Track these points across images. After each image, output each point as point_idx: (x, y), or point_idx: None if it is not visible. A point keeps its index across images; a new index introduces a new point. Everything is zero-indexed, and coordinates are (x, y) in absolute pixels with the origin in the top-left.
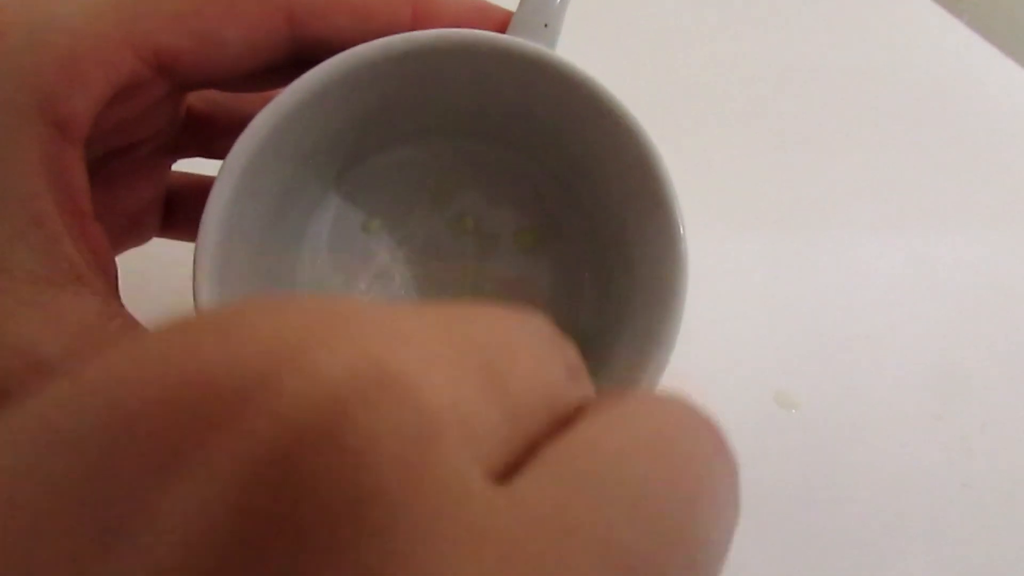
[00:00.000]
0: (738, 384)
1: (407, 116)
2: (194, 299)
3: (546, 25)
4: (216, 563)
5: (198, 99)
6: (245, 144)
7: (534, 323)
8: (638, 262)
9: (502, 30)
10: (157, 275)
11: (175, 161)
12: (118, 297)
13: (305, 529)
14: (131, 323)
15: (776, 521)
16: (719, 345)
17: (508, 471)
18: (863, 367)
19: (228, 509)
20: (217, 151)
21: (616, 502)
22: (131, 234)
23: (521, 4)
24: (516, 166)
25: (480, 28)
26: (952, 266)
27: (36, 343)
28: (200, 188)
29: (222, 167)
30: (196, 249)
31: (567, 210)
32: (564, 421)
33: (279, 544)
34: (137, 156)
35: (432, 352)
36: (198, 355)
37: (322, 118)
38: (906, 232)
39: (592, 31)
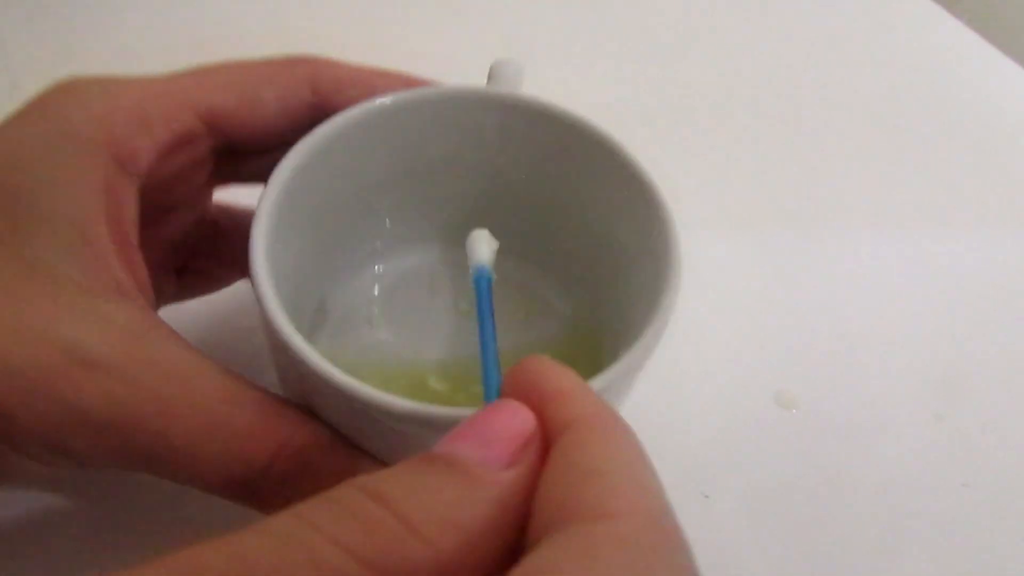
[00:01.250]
0: (738, 384)
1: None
2: None
3: None
4: None
5: (218, 211)
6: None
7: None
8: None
9: None
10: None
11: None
12: (157, 315)
13: None
14: (171, 333)
15: (776, 521)
16: (719, 345)
17: None
18: (863, 367)
19: None
20: (223, 255)
21: None
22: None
23: (490, 81)
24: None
25: None
26: (952, 266)
27: (81, 342)
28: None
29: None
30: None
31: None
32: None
33: None
34: (166, 222)
35: None
36: None
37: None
38: (906, 232)
39: (593, 31)
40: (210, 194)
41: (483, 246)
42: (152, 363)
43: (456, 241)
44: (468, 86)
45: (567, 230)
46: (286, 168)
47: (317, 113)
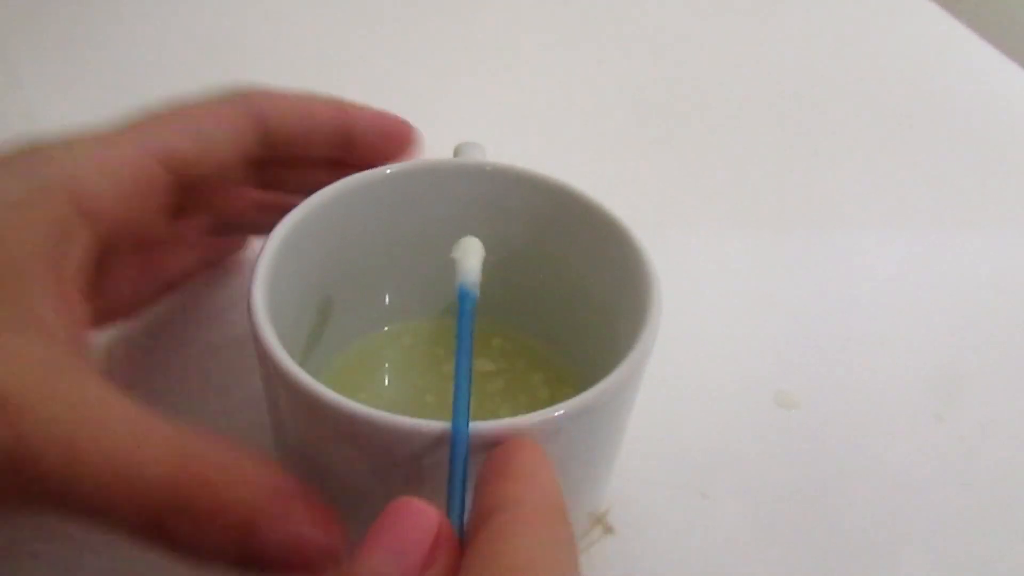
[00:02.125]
0: (738, 384)
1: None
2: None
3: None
4: None
5: None
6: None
7: None
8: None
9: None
10: None
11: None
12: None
13: None
14: (90, 371)
15: (776, 521)
16: (719, 345)
17: None
18: (863, 367)
19: None
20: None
21: None
22: (116, 314)
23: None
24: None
25: (394, 137)
26: (952, 266)
27: None
28: None
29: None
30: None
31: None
32: None
33: None
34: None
35: None
36: None
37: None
38: (906, 232)
39: (594, 32)
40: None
41: (472, 259)
42: (63, 400)
43: (453, 308)
44: (453, 159)
45: (553, 289)
46: (287, 223)
47: (264, 144)
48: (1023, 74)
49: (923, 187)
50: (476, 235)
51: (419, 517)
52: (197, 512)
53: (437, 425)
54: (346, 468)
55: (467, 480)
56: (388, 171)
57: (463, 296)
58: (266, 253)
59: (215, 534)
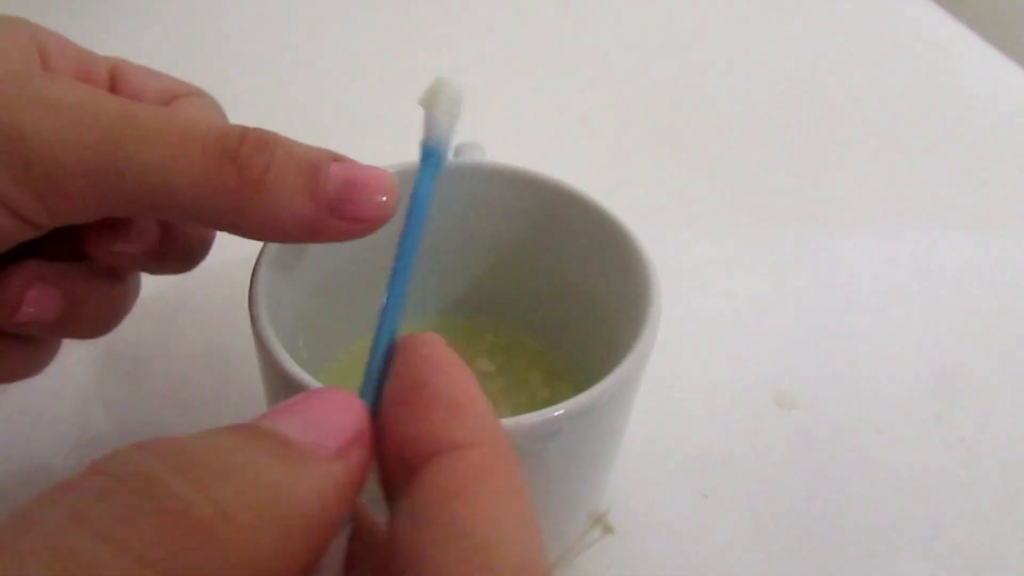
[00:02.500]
0: (738, 384)
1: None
2: None
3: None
4: None
5: None
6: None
7: None
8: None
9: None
10: None
11: None
12: None
13: None
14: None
15: (776, 521)
16: (719, 345)
17: None
18: (863, 367)
19: None
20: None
21: None
22: None
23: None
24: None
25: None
26: (952, 266)
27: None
28: None
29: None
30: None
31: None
32: None
33: None
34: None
35: None
36: None
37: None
38: (906, 232)
39: (594, 33)
40: None
41: (444, 106)
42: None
43: (453, 310)
44: (453, 159)
45: (553, 289)
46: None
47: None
48: (1023, 74)
49: (923, 187)
50: (476, 235)
51: (347, 409)
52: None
53: None
54: None
55: (390, 361)
56: (388, 171)
57: (428, 154)
58: (267, 253)
59: (287, 164)
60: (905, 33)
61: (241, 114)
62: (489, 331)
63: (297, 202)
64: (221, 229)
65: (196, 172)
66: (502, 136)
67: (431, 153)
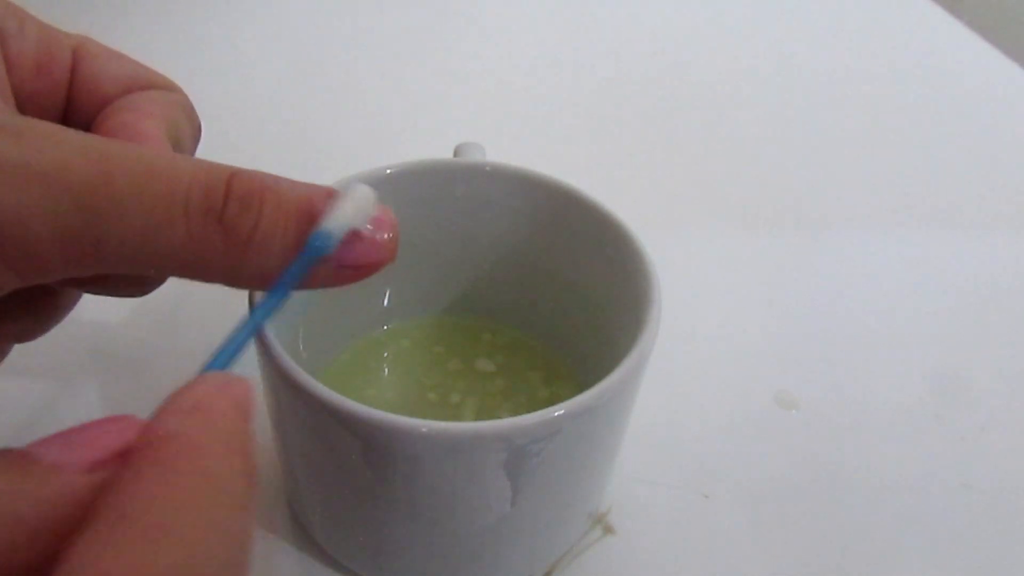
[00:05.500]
0: (738, 384)
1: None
2: None
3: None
4: None
5: None
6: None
7: None
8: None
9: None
10: None
11: None
12: None
13: None
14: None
15: (776, 521)
16: (719, 345)
17: None
18: (863, 367)
19: None
20: None
21: None
22: None
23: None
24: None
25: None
26: (952, 266)
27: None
28: None
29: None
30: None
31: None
32: None
33: None
34: None
35: None
36: None
37: None
38: (906, 232)
39: (594, 33)
40: None
41: (349, 204)
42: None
43: (453, 310)
44: (453, 159)
45: (553, 288)
46: None
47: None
48: (1023, 74)
49: (923, 187)
50: (476, 235)
51: (112, 427)
52: (254, 195)
53: (437, 425)
54: (346, 468)
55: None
56: (388, 171)
57: (314, 243)
58: None
59: (276, 218)
60: (905, 33)
61: (242, 113)
62: (489, 331)
63: (288, 257)
64: (213, 283)
65: (180, 236)
66: (502, 136)
67: (318, 245)
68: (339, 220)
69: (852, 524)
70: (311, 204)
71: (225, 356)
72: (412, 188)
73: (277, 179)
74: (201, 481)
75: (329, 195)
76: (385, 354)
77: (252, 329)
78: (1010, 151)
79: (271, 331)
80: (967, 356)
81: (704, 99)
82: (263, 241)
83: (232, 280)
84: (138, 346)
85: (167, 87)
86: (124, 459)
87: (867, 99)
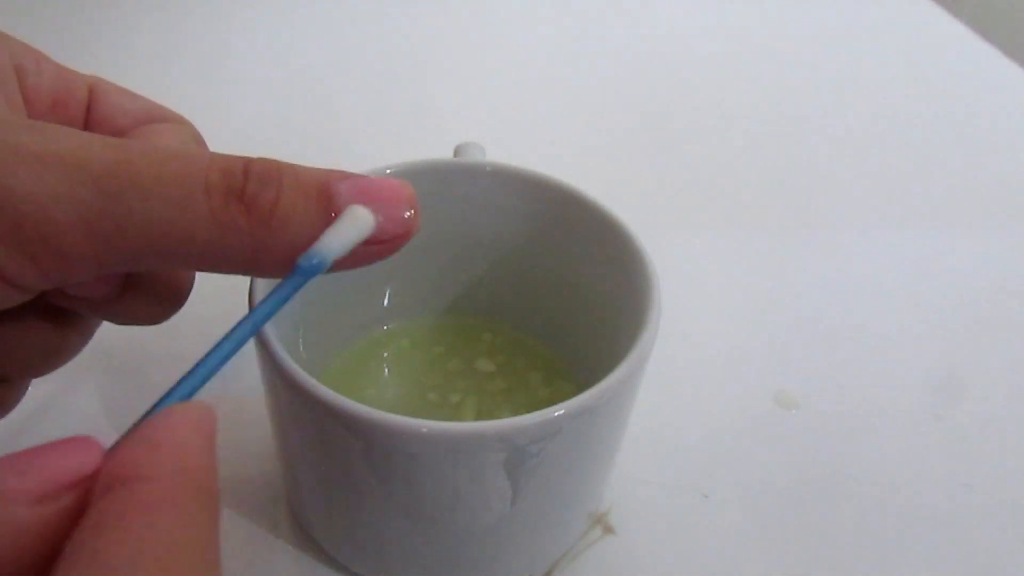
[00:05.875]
0: (738, 384)
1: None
2: None
3: None
4: None
5: None
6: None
7: None
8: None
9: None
10: None
11: None
12: None
13: None
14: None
15: (776, 521)
16: (719, 345)
17: None
18: (863, 367)
19: None
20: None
21: None
22: None
23: None
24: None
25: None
26: (952, 266)
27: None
28: None
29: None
30: None
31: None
32: None
33: None
34: None
35: None
36: None
37: None
38: (906, 232)
39: (594, 33)
40: None
41: (343, 229)
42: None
43: (453, 310)
44: (453, 159)
45: (553, 288)
46: None
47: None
48: (1023, 74)
49: (923, 187)
50: (476, 235)
51: (70, 453)
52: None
53: (437, 425)
54: (346, 468)
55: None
56: (388, 171)
57: (305, 265)
58: None
59: (296, 193)
60: (905, 33)
61: (242, 113)
62: (489, 331)
63: (312, 232)
64: (238, 273)
65: (203, 217)
66: (502, 136)
67: (308, 268)
68: (334, 242)
69: (852, 524)
70: (328, 183)
71: (208, 368)
72: (431, 184)
73: (292, 163)
74: (183, 528)
75: (344, 178)
76: (385, 354)
77: (237, 342)
78: (1010, 151)
79: (271, 331)
80: (967, 356)
81: (704, 99)
82: (285, 216)
83: (256, 263)
84: (137, 347)
85: (177, 120)
86: (80, 491)
87: (867, 99)
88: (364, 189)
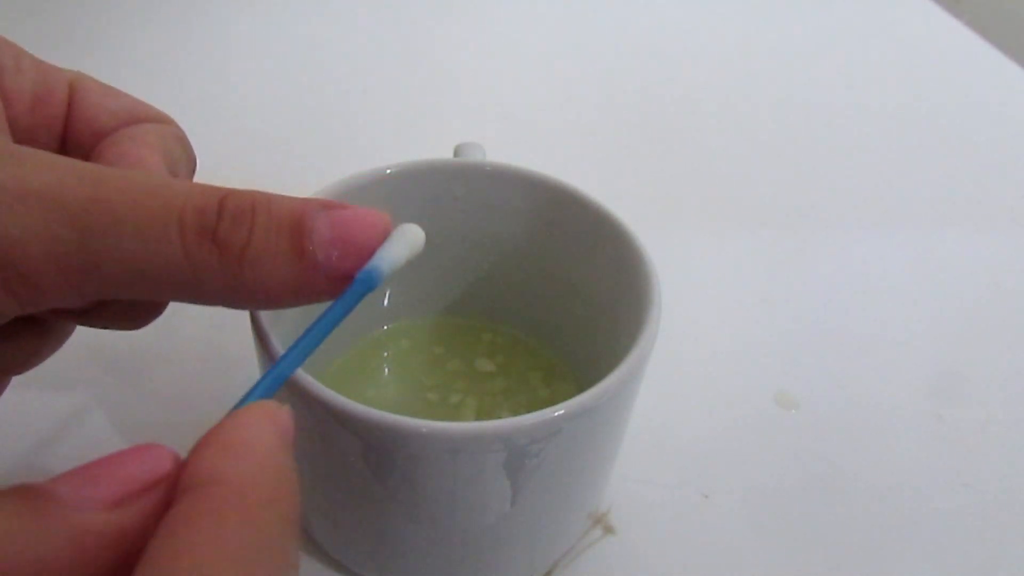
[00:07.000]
0: (738, 384)
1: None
2: None
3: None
4: None
5: None
6: None
7: None
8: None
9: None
10: None
11: None
12: None
13: None
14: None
15: (776, 521)
16: (719, 345)
17: None
18: (863, 367)
19: None
20: None
21: None
22: None
23: None
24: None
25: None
26: (952, 266)
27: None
28: None
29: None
30: None
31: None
32: None
33: None
34: None
35: None
36: None
37: None
38: (906, 232)
39: (594, 33)
40: None
41: (397, 246)
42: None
43: (453, 310)
44: (453, 159)
45: (553, 288)
46: None
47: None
48: (1023, 74)
49: (923, 187)
50: (476, 235)
51: (142, 459)
52: (245, 211)
53: (437, 425)
54: (346, 468)
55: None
56: (388, 171)
57: (363, 280)
58: None
59: (268, 231)
60: (905, 33)
61: (242, 114)
62: (489, 331)
63: (283, 270)
64: (214, 305)
65: (176, 255)
66: (502, 136)
67: (366, 282)
68: (388, 257)
69: (852, 524)
70: (302, 216)
71: (263, 389)
72: (412, 188)
73: (270, 195)
74: (251, 532)
75: (321, 208)
76: (385, 354)
77: (292, 363)
78: (1010, 151)
79: (271, 331)
80: (967, 356)
81: (704, 98)
82: (256, 255)
83: (231, 299)
84: (137, 347)
85: (161, 120)
86: (154, 494)
87: (867, 99)
88: (339, 222)
